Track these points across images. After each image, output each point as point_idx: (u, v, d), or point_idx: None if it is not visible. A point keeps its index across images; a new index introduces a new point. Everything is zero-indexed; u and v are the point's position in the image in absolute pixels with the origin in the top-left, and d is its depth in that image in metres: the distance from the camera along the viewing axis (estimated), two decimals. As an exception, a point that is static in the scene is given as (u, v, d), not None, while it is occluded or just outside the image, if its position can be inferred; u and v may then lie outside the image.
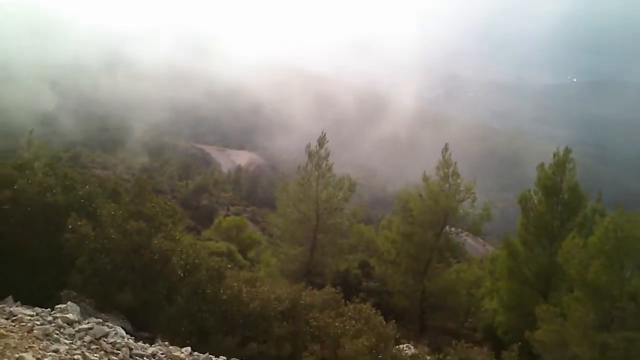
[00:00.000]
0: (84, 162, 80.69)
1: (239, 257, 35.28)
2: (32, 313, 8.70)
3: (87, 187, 16.58)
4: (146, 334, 12.48)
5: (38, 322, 8.11)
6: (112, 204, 15.84)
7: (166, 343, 10.36)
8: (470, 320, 30.10)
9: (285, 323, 14.00)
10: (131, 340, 9.05)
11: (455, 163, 27.73)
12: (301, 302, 14.89)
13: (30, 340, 7.09)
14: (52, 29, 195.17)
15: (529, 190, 24.46)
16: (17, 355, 6.01)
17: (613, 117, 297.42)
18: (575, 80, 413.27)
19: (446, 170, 27.58)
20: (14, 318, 8.14)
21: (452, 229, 28.40)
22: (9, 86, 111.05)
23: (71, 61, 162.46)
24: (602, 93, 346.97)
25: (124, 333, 9.26)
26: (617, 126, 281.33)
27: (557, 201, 23.33)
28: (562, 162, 23.32)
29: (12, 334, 7.14)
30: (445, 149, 27.94)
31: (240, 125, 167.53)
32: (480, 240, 73.16)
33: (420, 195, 28.14)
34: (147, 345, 9.55)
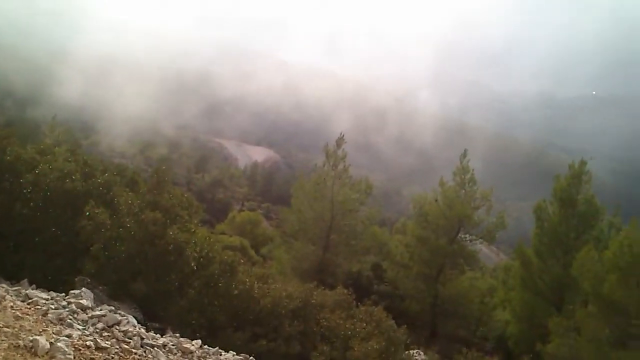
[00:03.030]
0: (103, 150, 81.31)
1: (252, 252, 35.40)
2: (47, 297, 8.76)
3: (106, 175, 16.71)
4: (157, 325, 12.53)
5: (52, 306, 8.15)
6: (129, 193, 15.93)
7: (177, 335, 10.39)
8: (481, 329, 29.95)
9: (295, 322, 14.02)
10: (142, 330, 9.08)
11: (473, 170, 27.60)
12: (312, 301, 14.90)
13: (44, 324, 7.14)
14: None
15: (544, 201, 24.25)
16: (31, 338, 6.06)
17: (631, 131, 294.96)
18: (594, 93, 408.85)
19: (463, 177, 27.49)
20: (30, 301, 8.19)
21: (467, 236, 28.28)
22: (34, 73, 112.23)
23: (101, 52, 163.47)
24: (622, 107, 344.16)
25: (135, 322, 9.29)
26: (635, 140, 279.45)
27: (573, 213, 23.11)
28: (577, 174, 23.12)
29: (28, 316, 7.19)
30: (464, 155, 27.81)
31: (260, 122, 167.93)
32: (494, 248, 72.81)
33: (436, 200, 28.05)
34: (158, 335, 9.57)
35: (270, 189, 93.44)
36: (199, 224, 18.43)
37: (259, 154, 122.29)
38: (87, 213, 13.88)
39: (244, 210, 60.29)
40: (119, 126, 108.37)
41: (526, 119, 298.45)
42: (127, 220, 14.04)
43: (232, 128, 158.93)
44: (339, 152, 26.62)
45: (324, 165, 27.07)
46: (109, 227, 13.75)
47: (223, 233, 41.64)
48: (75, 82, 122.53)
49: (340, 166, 26.74)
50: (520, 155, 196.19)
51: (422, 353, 17.40)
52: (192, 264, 14.05)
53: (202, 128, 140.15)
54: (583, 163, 23.40)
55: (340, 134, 27.43)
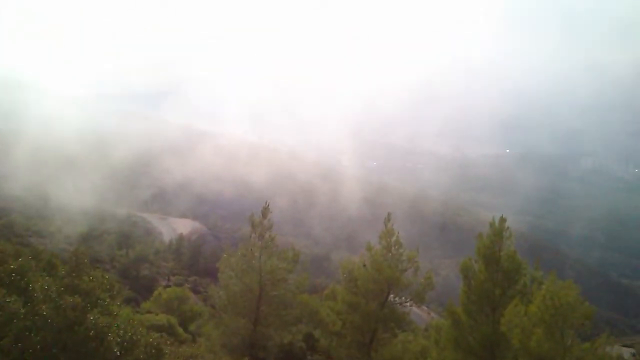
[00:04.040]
0: (18, 231, 77.57)
1: (180, 330, 34.17)
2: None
3: (20, 259, 15.89)
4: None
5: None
6: (46, 278, 15.19)
7: None
8: (417, 393, 29.68)
9: (226, 402, 13.48)
10: None
11: (398, 232, 28.00)
12: (243, 379, 14.42)
13: None
14: None
15: (470, 259, 24.80)
16: None
17: (543, 186, 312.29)
18: (508, 151, 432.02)
19: (389, 240, 27.78)
20: None
21: (397, 298, 28.39)
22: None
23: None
24: (534, 164, 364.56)
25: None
26: (547, 194, 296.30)
27: (497, 269, 23.68)
28: (498, 232, 23.83)
29: None
30: (388, 218, 28.21)
31: (184, 194, 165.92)
32: (424, 307, 73.32)
33: (364, 265, 28.14)
34: None
35: (197, 262, 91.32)
36: (122, 305, 17.71)
37: (184, 227, 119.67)
38: (-2, 303, 13.05)
39: (170, 286, 58.48)
40: (37, 206, 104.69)
41: (442, 177, 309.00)
42: (44, 307, 13.27)
43: (155, 201, 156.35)
44: (265, 222, 26.50)
45: (250, 236, 26.84)
46: (22, 316, 12.94)
47: (149, 311, 40.15)
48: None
49: (267, 235, 26.57)
50: (441, 212, 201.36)
51: None
52: (115, 350, 13.35)
53: (123, 202, 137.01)
54: (503, 220, 24.15)
55: (266, 203, 27.39)
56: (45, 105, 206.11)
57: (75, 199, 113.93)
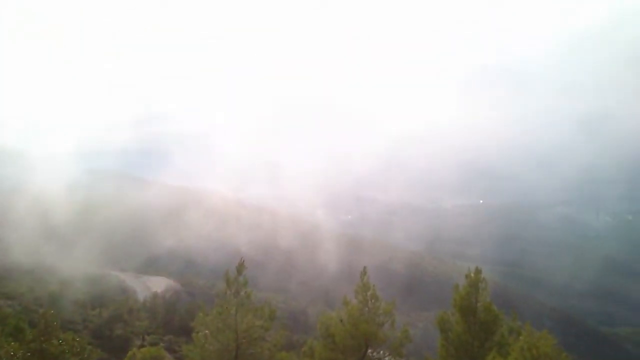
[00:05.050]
0: (-15, 295, 75.58)
1: (154, 393, 33.29)
2: None
3: (-14, 325, 15.46)
4: None
5: None
6: (12, 343, 14.70)
7: None
8: None
9: None
10: None
11: (374, 286, 27.86)
12: None
13: None
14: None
15: (446, 312, 24.88)
16: None
17: (517, 235, 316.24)
18: (481, 202, 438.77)
19: (365, 294, 27.61)
20: None
21: (375, 353, 28.04)
22: None
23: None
24: (507, 213, 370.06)
25: None
26: (521, 243, 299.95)
27: (474, 321, 23.74)
28: (474, 283, 24.01)
29: None
30: (364, 272, 28.11)
31: (156, 251, 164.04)
32: (403, 362, 72.47)
33: (341, 320, 27.85)
34: None
35: (173, 320, 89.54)
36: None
37: (158, 284, 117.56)
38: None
39: (145, 346, 57.11)
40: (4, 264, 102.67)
41: (417, 228, 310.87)
42: (10, 374, 12.84)
43: (129, 259, 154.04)
44: (240, 279, 26.16)
45: (225, 293, 26.43)
46: (-14, 385, 12.50)
47: (122, 373, 39.15)
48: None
49: (243, 293, 26.20)
50: (416, 264, 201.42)
51: None
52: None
53: (97, 261, 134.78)
54: (478, 271, 24.34)
55: (241, 259, 27.09)
56: (25, 166, 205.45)
57: (49, 260, 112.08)
